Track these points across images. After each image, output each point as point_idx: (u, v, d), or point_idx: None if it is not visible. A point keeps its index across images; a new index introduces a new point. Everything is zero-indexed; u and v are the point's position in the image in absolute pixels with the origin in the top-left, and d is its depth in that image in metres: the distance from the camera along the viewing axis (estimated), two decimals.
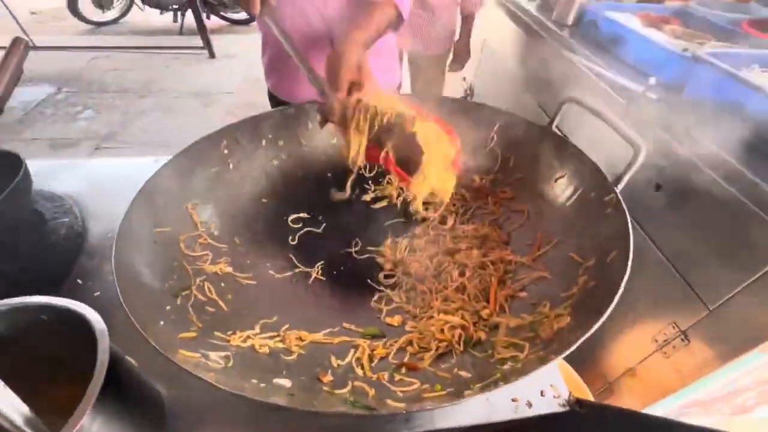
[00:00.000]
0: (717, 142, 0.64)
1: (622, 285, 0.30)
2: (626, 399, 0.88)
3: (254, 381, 0.32)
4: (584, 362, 0.95)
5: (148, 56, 3.36)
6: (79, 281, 0.56)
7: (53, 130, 2.40)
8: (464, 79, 2.04)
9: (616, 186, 0.42)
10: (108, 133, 2.41)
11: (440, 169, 0.48)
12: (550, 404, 0.41)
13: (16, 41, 0.64)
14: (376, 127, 0.49)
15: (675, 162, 0.70)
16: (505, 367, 0.31)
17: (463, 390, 0.29)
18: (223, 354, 0.34)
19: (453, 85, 2.24)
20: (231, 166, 0.60)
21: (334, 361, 0.39)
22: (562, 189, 0.51)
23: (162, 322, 0.34)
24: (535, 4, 1.29)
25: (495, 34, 1.61)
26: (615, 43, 0.95)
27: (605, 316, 0.28)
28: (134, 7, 3.79)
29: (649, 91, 0.73)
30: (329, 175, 0.68)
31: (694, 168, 0.66)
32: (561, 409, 0.41)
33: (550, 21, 1.16)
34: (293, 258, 0.56)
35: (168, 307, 0.37)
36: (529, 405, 0.40)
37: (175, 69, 3.20)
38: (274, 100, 0.94)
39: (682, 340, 0.73)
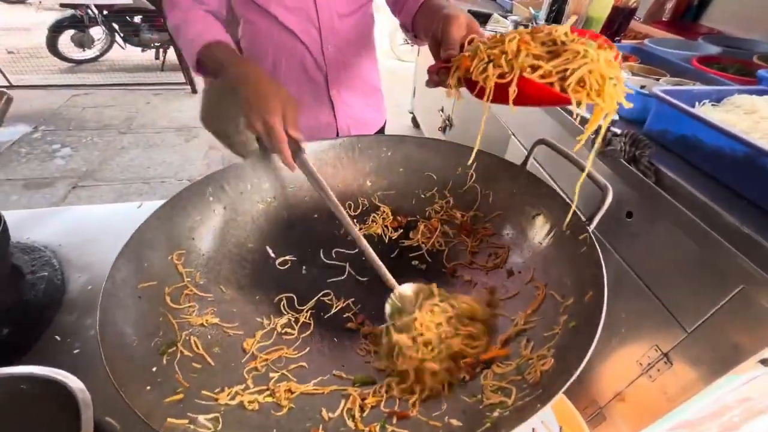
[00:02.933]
0: (677, 173, 0.69)
1: (599, 330, 0.32)
2: (619, 424, 0.89)
3: None
4: (574, 388, 0.95)
5: (128, 93, 3.37)
6: (58, 338, 0.54)
7: (28, 170, 2.35)
8: (441, 109, 2.12)
9: (589, 225, 0.45)
10: (86, 171, 2.38)
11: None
12: None
13: None
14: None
15: (642, 191, 0.75)
16: (495, 414, 0.32)
17: None
18: (211, 416, 0.34)
19: (431, 117, 2.33)
20: (215, 212, 0.60)
21: (325, 414, 0.39)
22: (540, 226, 0.54)
23: (148, 387, 0.33)
24: None
25: None
26: None
27: (584, 361, 0.29)
28: (115, 45, 3.83)
29: (613, 125, 0.79)
30: (315, 216, 0.69)
31: (660, 197, 0.71)
32: None
33: None
34: (280, 304, 0.56)
35: (154, 369, 0.37)
36: None
37: (157, 105, 3.21)
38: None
39: (665, 362, 0.75)
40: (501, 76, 0.39)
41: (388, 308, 0.51)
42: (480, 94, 0.42)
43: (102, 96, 3.28)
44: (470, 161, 0.61)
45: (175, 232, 0.54)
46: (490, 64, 0.40)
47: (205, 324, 0.48)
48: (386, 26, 4.04)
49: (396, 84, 3.26)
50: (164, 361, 0.39)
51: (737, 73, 0.97)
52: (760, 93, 0.79)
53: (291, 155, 0.55)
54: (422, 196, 0.71)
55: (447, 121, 2.05)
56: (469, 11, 1.65)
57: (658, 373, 0.77)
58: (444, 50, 0.49)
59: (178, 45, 0.68)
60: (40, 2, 5.06)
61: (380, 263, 0.53)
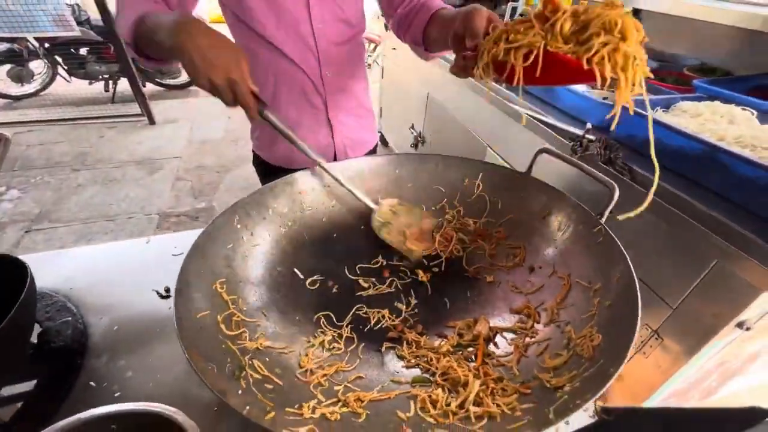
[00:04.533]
0: (647, 170, 0.80)
1: (639, 301, 0.38)
2: (619, 402, 0.97)
3: None
4: None
5: (78, 127, 3.18)
6: (92, 383, 0.52)
7: None
8: (412, 126, 2.22)
9: (601, 218, 0.52)
10: (39, 213, 2.21)
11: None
12: (580, 418, 0.46)
13: None
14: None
15: (621, 188, 0.85)
16: (566, 388, 0.36)
17: (543, 418, 0.34)
18: (306, 428, 0.35)
19: (403, 134, 2.43)
20: (244, 239, 0.61)
21: (402, 415, 0.41)
22: (552, 225, 0.60)
23: (247, 407, 0.34)
24: None
25: (438, 88, 1.80)
26: (548, 94, 1.14)
27: (637, 328, 0.35)
28: (59, 78, 3.62)
29: (588, 133, 0.89)
30: (335, 235, 0.72)
31: (637, 192, 0.81)
32: (591, 421, 0.47)
33: None
34: (320, 322, 0.58)
35: (240, 392, 0.38)
36: (567, 422, 0.45)
37: (112, 138, 3.06)
38: (263, 167, 0.97)
39: (656, 338, 0.84)
40: (527, 55, 0.41)
41: (375, 223, 0.70)
42: (510, 77, 0.43)
43: (48, 133, 3.07)
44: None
45: (215, 261, 0.55)
46: (518, 41, 0.41)
47: (260, 347, 0.49)
48: None
49: None
50: (243, 384, 0.39)
51: (675, 83, 1.13)
52: (699, 99, 0.94)
53: (256, 111, 0.58)
54: (433, 208, 0.75)
55: (419, 138, 2.15)
56: None
57: (650, 350, 0.86)
58: (470, 40, 0.51)
59: (118, 29, 0.63)
60: None
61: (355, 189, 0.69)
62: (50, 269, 0.69)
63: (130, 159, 2.76)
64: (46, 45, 3.30)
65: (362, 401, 0.44)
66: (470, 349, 0.51)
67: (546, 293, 0.55)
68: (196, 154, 2.75)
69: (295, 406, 0.40)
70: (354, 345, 0.55)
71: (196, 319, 0.44)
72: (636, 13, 1.59)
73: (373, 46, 3.88)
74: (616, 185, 0.52)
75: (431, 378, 0.48)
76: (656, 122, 0.80)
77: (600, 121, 0.97)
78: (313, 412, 0.40)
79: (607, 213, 0.52)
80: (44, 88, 3.72)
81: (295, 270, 0.65)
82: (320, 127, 0.92)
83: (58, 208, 2.24)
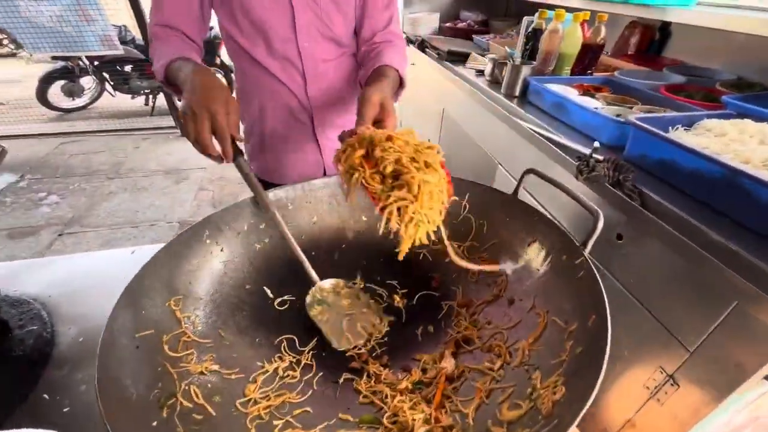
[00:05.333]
0: (660, 194, 0.72)
1: (606, 354, 0.32)
2: None
3: None
4: (584, 418, 0.93)
5: (117, 138, 3.40)
6: (46, 396, 0.51)
7: (12, 219, 2.30)
8: (428, 141, 2.19)
9: (584, 249, 0.46)
10: (72, 217, 2.34)
11: (430, 212, 0.46)
12: None
13: None
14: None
15: (629, 213, 0.77)
16: None
17: None
18: None
19: None
20: (213, 254, 0.60)
21: None
22: (535, 253, 0.55)
23: None
24: (484, 79, 1.45)
25: (452, 104, 1.77)
26: (558, 111, 1.08)
27: (596, 389, 0.29)
28: (105, 93, 3.90)
29: (595, 152, 0.82)
30: (313, 253, 0.69)
31: (647, 218, 0.73)
32: None
33: (500, 93, 1.30)
34: (281, 345, 0.55)
35: (155, 423, 0.35)
36: None
37: (146, 149, 3.24)
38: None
39: (672, 384, 0.74)
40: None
41: (308, 299, 0.61)
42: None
43: (91, 143, 3.30)
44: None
45: (173, 277, 0.53)
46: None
47: (205, 371, 0.46)
48: None
49: None
50: (164, 414, 0.37)
51: (703, 99, 1.04)
52: (727, 117, 0.85)
53: (231, 153, 0.58)
54: None
55: None
56: (449, 51, 1.76)
57: (666, 396, 0.76)
58: (356, 124, 0.56)
59: (154, 70, 0.71)
60: (31, 56, 5.18)
61: (304, 258, 0.62)
62: (35, 276, 0.70)
63: (159, 169, 2.90)
64: (95, 63, 3.58)
65: None
66: (431, 387, 0.46)
67: (522, 330, 0.49)
68: (218, 166, 2.85)
69: None
70: (311, 374, 0.52)
71: (132, 339, 0.42)
72: (666, 26, 1.50)
73: None
74: (600, 212, 0.46)
75: (380, 419, 0.43)
76: (670, 142, 0.72)
77: (612, 139, 0.90)
78: None
79: (591, 243, 0.46)
80: (92, 101, 4.02)
81: (265, 288, 0.63)
82: (307, 143, 0.91)
83: (90, 214, 2.37)
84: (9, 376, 0.52)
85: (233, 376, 0.48)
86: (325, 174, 0.93)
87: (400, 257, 0.48)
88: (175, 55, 0.67)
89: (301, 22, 0.76)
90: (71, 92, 3.82)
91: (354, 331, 0.58)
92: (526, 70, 1.21)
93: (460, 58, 1.74)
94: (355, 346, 0.55)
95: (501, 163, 1.34)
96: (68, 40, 2.93)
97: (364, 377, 0.51)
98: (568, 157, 0.90)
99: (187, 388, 0.42)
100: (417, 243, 0.47)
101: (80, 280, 0.71)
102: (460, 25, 2.29)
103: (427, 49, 1.99)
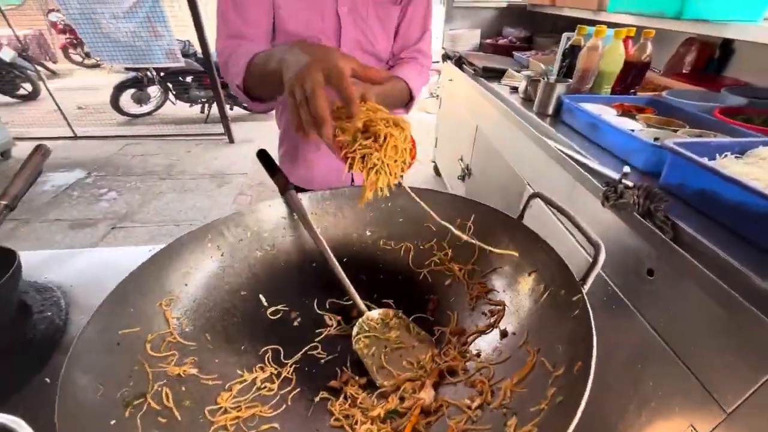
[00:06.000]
0: (696, 228, 0.64)
1: (579, 409, 0.28)
2: None
3: None
4: None
5: (173, 143, 3.68)
6: (48, 380, 0.54)
7: (76, 211, 2.55)
8: (461, 159, 2.15)
9: (583, 285, 0.42)
10: (126, 213, 2.55)
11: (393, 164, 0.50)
12: None
13: (38, 148, 0.71)
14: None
15: (661, 247, 0.69)
16: None
17: None
18: None
19: (452, 166, 2.36)
20: (213, 258, 0.61)
21: None
22: (535, 284, 0.50)
23: None
24: (518, 96, 1.40)
25: (485, 121, 1.73)
26: (592, 132, 1.01)
27: None
28: (167, 101, 4.27)
29: (625, 178, 0.76)
30: (314, 264, 0.69)
31: (682, 257, 0.65)
32: None
33: (532, 111, 1.25)
34: (266, 356, 0.55)
35: (113, 422, 0.36)
36: None
37: (196, 153, 3.47)
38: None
39: None
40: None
41: (355, 330, 0.57)
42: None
43: (149, 146, 3.61)
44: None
45: (169, 277, 0.55)
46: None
47: (183, 374, 0.47)
48: None
49: (420, 135, 3.38)
50: (127, 414, 0.38)
51: (763, 125, 0.92)
52: None
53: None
54: (421, 247, 0.69)
55: (466, 170, 2.07)
56: (484, 67, 1.72)
57: None
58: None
59: (227, 80, 0.71)
60: (111, 66, 5.81)
61: (352, 288, 0.60)
62: (63, 266, 0.76)
63: (206, 172, 3.10)
64: (161, 74, 3.94)
65: None
66: (405, 418, 0.44)
67: (510, 367, 0.45)
68: (259, 172, 2.99)
69: None
70: (289, 388, 0.51)
71: (115, 335, 0.43)
72: (728, 43, 1.37)
73: (438, 77, 3.93)
74: (602, 245, 0.41)
75: None
76: (709, 170, 0.65)
77: (647, 164, 0.82)
78: None
79: (591, 278, 0.41)
80: (157, 108, 4.42)
81: (261, 296, 0.63)
82: None
83: (141, 211, 2.58)
84: (20, 358, 0.56)
85: (210, 382, 0.48)
86: (352, 182, 0.95)
87: (360, 204, 0.53)
88: (255, 50, 0.64)
89: (347, 37, 0.79)
90: (139, 100, 4.22)
91: (400, 365, 0.53)
92: (560, 88, 1.15)
93: (496, 75, 1.70)
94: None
95: (529, 184, 1.27)
96: (139, 53, 3.26)
97: (341, 398, 0.49)
98: (596, 182, 0.84)
99: (159, 389, 0.43)
100: (378, 192, 0.50)
101: (100, 272, 0.76)
102: (501, 41, 2.25)
103: (464, 65, 1.97)
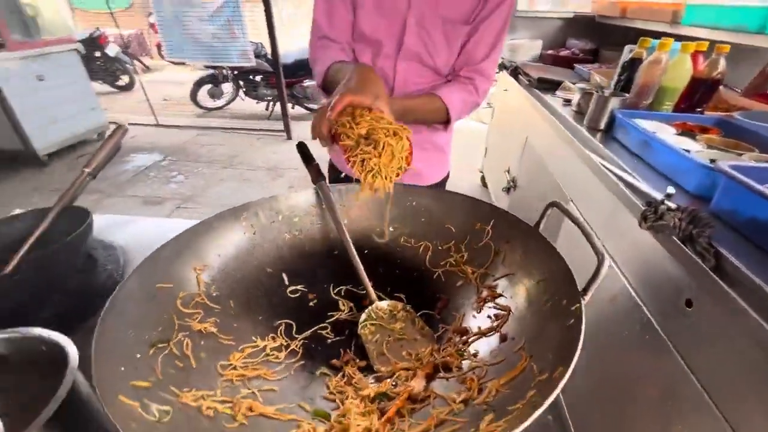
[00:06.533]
0: (743, 260, 0.58)
1: (540, 408, 0.28)
2: None
3: None
4: None
5: (238, 136, 3.99)
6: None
7: (150, 190, 2.87)
8: (508, 171, 2.10)
9: (584, 296, 0.41)
10: (190, 195, 2.81)
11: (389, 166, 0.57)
12: None
13: (119, 127, 0.83)
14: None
15: (700, 277, 0.64)
16: None
17: None
18: (165, 408, 0.37)
19: (498, 177, 2.31)
20: (245, 235, 0.68)
21: None
22: (542, 292, 0.50)
23: (122, 368, 0.38)
24: (570, 109, 1.35)
25: (535, 133, 1.68)
26: (643, 150, 0.95)
27: None
28: (238, 98, 4.65)
29: (668, 199, 0.71)
30: (335, 252, 0.73)
31: (722, 290, 0.60)
32: None
33: (582, 125, 1.19)
34: (279, 328, 0.59)
35: (138, 355, 0.42)
36: None
37: (257, 147, 3.73)
38: (333, 171, 1.08)
39: None
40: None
41: (363, 316, 0.61)
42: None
43: (217, 137, 3.95)
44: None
45: (205, 246, 0.62)
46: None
47: (203, 331, 0.53)
48: None
49: (472, 143, 3.34)
50: (150, 352, 0.44)
51: None
52: None
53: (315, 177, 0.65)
54: (439, 247, 0.70)
55: (511, 183, 2.01)
56: (539, 78, 1.68)
57: None
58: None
59: (314, 74, 0.84)
60: (194, 64, 6.45)
61: (366, 278, 0.63)
62: (126, 230, 0.88)
63: (263, 165, 3.32)
64: (235, 72, 4.30)
65: (252, 411, 0.43)
66: (391, 402, 0.46)
67: (502, 368, 0.45)
68: None
69: (184, 389, 0.42)
70: (294, 360, 0.55)
71: (152, 287, 0.50)
72: None
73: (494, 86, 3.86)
74: (606, 257, 0.40)
75: (330, 416, 0.44)
76: (759, 193, 0.59)
77: (700, 188, 0.76)
78: (196, 400, 0.41)
79: (592, 289, 0.40)
80: (228, 104, 4.82)
81: (283, 274, 0.69)
82: None
83: (203, 194, 2.83)
84: (84, 299, 0.66)
85: (225, 342, 0.53)
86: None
87: (356, 200, 0.66)
88: (335, 59, 0.76)
89: (406, 46, 0.82)
90: (214, 95, 4.64)
91: (399, 355, 0.55)
92: (614, 102, 1.10)
93: (551, 87, 1.65)
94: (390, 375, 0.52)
95: (573, 200, 1.22)
96: (217, 53, 3.59)
97: (339, 376, 0.52)
98: (637, 201, 0.79)
99: (182, 339, 0.49)
100: (373, 192, 0.58)
101: (156, 238, 0.85)
102: (563, 53, 2.17)
103: (520, 76, 1.93)
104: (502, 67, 2.23)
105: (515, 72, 1.99)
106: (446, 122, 0.87)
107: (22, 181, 2.78)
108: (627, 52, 1.24)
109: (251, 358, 0.53)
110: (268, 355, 0.54)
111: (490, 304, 0.57)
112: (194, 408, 0.40)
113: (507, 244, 0.61)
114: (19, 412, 0.36)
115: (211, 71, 4.36)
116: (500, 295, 0.57)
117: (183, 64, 8.04)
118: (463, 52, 0.84)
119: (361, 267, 0.65)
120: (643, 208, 0.73)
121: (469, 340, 0.54)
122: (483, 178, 2.93)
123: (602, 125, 1.13)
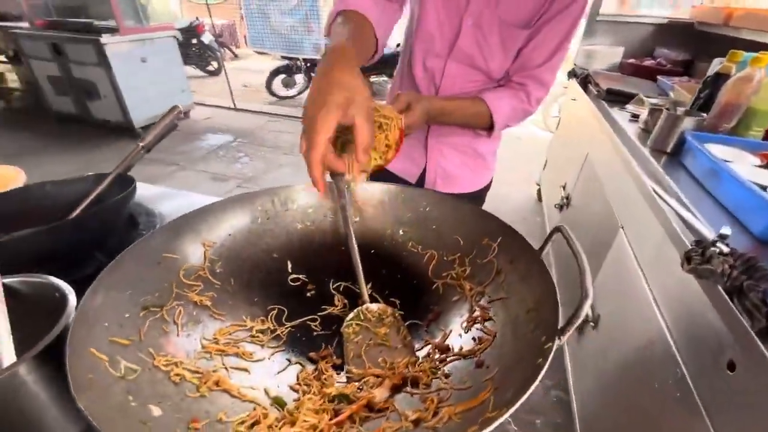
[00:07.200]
0: None
1: None
2: None
3: (130, 397, 0.36)
4: None
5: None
6: None
7: (218, 167, 3.14)
8: (563, 187, 1.94)
9: (560, 336, 0.37)
10: (251, 176, 3.02)
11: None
12: None
13: (173, 108, 0.92)
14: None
15: (745, 340, 0.54)
16: None
17: None
18: (133, 365, 0.41)
19: (553, 192, 2.15)
20: (259, 220, 0.71)
21: (222, 415, 0.41)
22: (528, 322, 0.46)
23: (106, 324, 0.43)
24: (636, 126, 1.21)
25: (596, 149, 1.53)
26: (710, 180, 0.82)
27: None
28: (309, 88, 4.88)
29: (721, 240, 0.60)
30: (343, 248, 0.74)
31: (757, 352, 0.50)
32: None
33: (646, 145, 1.06)
34: (271, 312, 0.62)
35: (127, 315, 0.46)
36: None
37: None
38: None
39: None
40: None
41: (350, 315, 0.60)
42: None
43: (284, 124, 4.19)
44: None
45: (219, 224, 0.66)
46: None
47: (198, 303, 0.56)
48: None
49: (533, 153, 3.16)
50: (141, 314, 0.48)
51: None
52: None
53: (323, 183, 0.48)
54: (444, 258, 0.68)
55: (566, 200, 1.86)
56: (608, 89, 1.52)
57: None
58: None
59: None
60: (275, 54, 6.90)
61: (362, 279, 0.63)
62: (168, 200, 0.98)
63: None
64: (308, 64, 4.51)
65: (217, 386, 0.46)
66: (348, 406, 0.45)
67: (465, 395, 0.42)
68: None
69: (161, 352, 0.46)
70: (275, 345, 0.57)
71: (159, 255, 0.55)
72: None
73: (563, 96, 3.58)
74: (590, 295, 0.36)
75: (285, 405, 0.45)
76: None
77: (764, 232, 0.64)
78: (167, 365, 0.44)
79: (569, 331, 0.36)
80: (299, 93, 5.08)
81: (288, 261, 0.71)
82: (417, 146, 0.95)
83: (262, 177, 3.03)
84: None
85: (216, 317, 0.57)
86: (422, 184, 0.96)
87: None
88: (342, 6, 0.63)
89: (459, 48, 0.79)
90: (287, 84, 4.92)
91: (375, 360, 0.53)
92: (687, 123, 0.96)
93: (622, 100, 1.49)
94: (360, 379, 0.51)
95: (623, 227, 1.10)
96: (293, 45, 3.80)
97: (312, 368, 0.53)
98: (685, 239, 0.69)
99: (176, 307, 0.53)
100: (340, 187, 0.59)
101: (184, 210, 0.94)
102: (648, 62, 1.94)
103: (589, 85, 1.77)
104: (572, 74, 2.06)
105: (585, 81, 1.83)
106: (490, 128, 0.83)
107: (119, 149, 3.21)
108: (715, 66, 1.08)
109: (235, 336, 0.56)
110: (252, 336, 0.57)
111: (479, 326, 0.54)
112: (164, 372, 0.44)
113: (510, 265, 0.57)
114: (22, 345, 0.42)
115: (286, 62, 4.63)
116: (490, 318, 0.53)
117: (266, 54, 8.67)
118: (520, 55, 0.79)
119: (359, 266, 0.65)
120: (689, 247, 0.64)
121: (448, 359, 0.51)
122: (539, 192, 2.76)
123: (669, 147, 1.00)
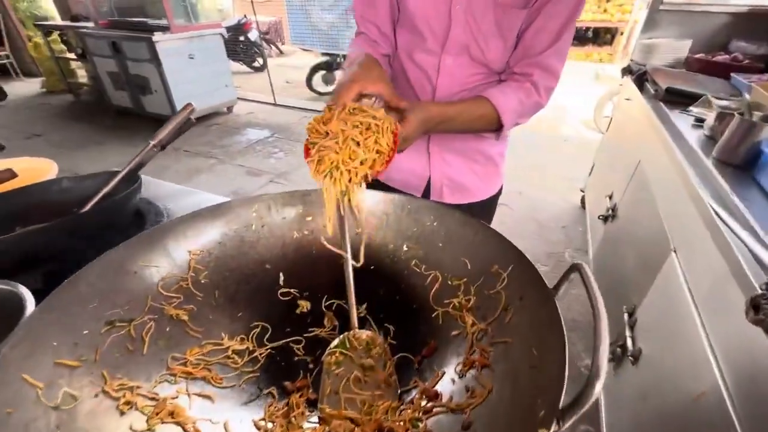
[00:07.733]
0: None
1: None
2: None
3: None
4: None
5: None
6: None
7: (253, 162, 3.21)
8: (610, 197, 1.75)
9: (561, 422, 0.28)
10: (284, 172, 3.06)
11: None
12: None
13: (187, 105, 0.90)
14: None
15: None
16: None
17: None
18: (75, 392, 0.37)
19: (598, 201, 1.95)
20: (253, 228, 0.67)
21: None
22: (529, 381, 0.37)
23: (55, 342, 0.40)
24: (701, 133, 1.03)
25: (650, 156, 1.35)
26: None
27: None
28: None
29: None
30: (340, 262, 0.68)
31: None
32: None
33: (710, 155, 0.90)
34: (253, 330, 0.57)
35: (86, 331, 0.43)
36: None
37: None
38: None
39: None
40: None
41: (335, 342, 0.55)
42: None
43: None
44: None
45: (208, 231, 0.62)
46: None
47: (174, 317, 0.53)
48: (595, 97, 3.69)
49: (581, 156, 2.92)
50: (102, 331, 0.45)
51: None
52: None
53: None
54: (449, 282, 0.60)
55: (611, 211, 1.68)
56: (668, 88, 1.34)
57: None
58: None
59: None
60: (317, 52, 6.99)
61: (353, 301, 0.57)
62: (178, 199, 0.97)
63: None
64: None
65: (172, 417, 0.42)
66: None
67: None
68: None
69: (118, 375, 0.42)
70: (249, 370, 0.52)
71: (135, 264, 0.52)
72: None
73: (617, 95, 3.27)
74: (602, 374, 0.26)
75: None
76: None
77: None
78: (118, 391, 0.41)
79: (571, 421, 0.27)
80: None
81: (281, 273, 0.66)
82: (419, 155, 0.88)
83: (295, 172, 3.05)
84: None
85: (192, 333, 0.53)
86: (428, 195, 0.89)
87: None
88: (357, 58, 0.68)
89: (453, 38, 0.72)
90: (327, 81, 4.94)
91: (352, 400, 0.47)
92: (766, 132, 0.79)
93: (685, 101, 1.30)
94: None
95: (676, 250, 0.94)
96: (333, 41, 3.79)
97: (283, 402, 0.48)
98: (753, 279, 0.55)
99: (147, 321, 0.50)
100: (337, 198, 0.52)
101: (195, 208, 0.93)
102: (720, 57, 1.69)
103: (646, 83, 1.57)
104: (627, 71, 1.84)
105: (641, 78, 1.62)
106: (498, 129, 0.74)
107: None
108: None
109: (208, 357, 0.51)
110: (228, 357, 0.53)
111: (475, 372, 0.45)
112: (113, 398, 0.40)
113: (519, 302, 0.48)
114: None
115: (326, 58, 4.65)
116: (489, 365, 0.45)
117: (309, 51, 8.82)
118: (521, 41, 0.70)
119: (351, 287, 0.59)
120: (758, 292, 0.51)
121: (434, 409, 0.44)
122: (583, 199, 2.53)
123: (739, 159, 0.83)
